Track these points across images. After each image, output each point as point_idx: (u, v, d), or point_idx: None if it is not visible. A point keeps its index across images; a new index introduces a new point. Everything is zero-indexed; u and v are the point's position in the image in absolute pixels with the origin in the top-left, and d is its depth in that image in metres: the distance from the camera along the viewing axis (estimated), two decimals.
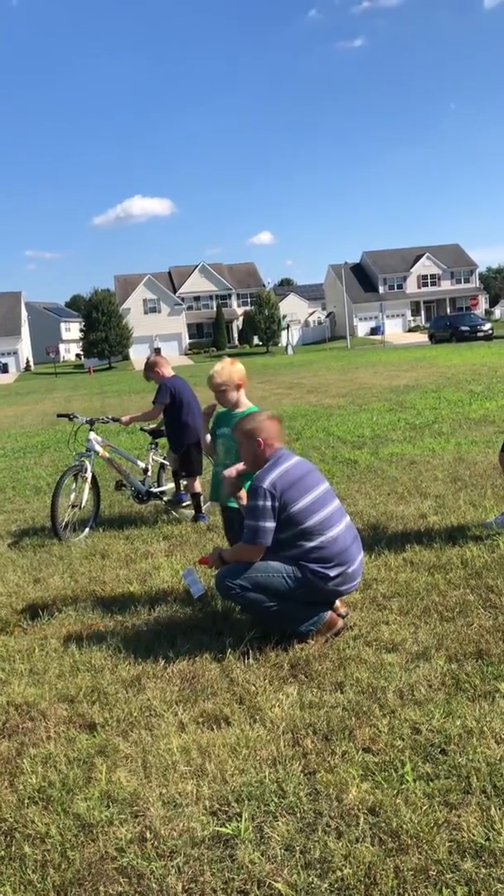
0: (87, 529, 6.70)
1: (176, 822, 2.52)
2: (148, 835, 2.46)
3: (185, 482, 6.86)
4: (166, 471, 7.49)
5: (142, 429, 7.28)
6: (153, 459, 7.39)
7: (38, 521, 7.45)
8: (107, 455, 6.98)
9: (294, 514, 3.77)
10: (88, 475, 6.71)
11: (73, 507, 6.64)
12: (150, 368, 6.95)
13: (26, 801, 2.74)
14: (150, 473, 7.24)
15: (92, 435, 6.91)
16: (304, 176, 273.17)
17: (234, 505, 4.42)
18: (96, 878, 2.31)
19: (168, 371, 6.95)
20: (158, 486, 7.36)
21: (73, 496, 6.64)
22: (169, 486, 7.34)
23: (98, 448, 6.90)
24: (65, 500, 6.65)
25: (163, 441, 7.25)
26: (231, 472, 4.25)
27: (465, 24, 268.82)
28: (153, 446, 7.43)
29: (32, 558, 6.06)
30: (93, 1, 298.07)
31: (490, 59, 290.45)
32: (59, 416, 7.22)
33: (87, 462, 6.73)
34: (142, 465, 7.27)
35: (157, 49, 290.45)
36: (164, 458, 7.43)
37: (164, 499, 7.15)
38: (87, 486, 6.69)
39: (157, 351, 73.62)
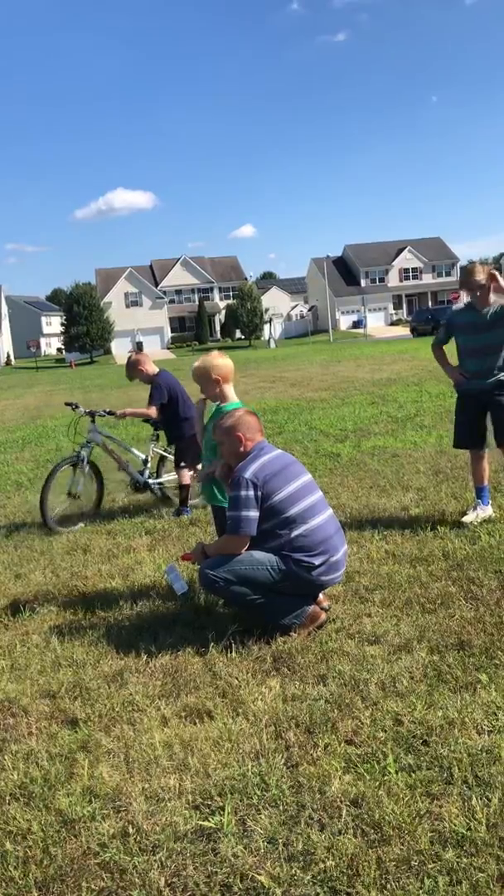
0: (80, 524, 6.72)
1: (158, 816, 2.51)
2: (130, 830, 2.45)
3: (188, 472, 6.80)
4: (166, 463, 7.51)
5: (145, 420, 7.37)
6: (153, 451, 7.41)
7: (19, 517, 7.40)
8: (107, 445, 7.12)
9: (277, 504, 3.78)
10: (86, 466, 6.82)
11: (71, 496, 6.78)
12: (134, 367, 6.93)
13: (7, 797, 2.72)
14: (149, 464, 7.28)
15: (92, 425, 7.03)
16: (287, 169, 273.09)
17: (222, 502, 4.45)
18: (78, 873, 2.30)
19: (152, 367, 6.92)
20: (157, 477, 7.38)
21: (71, 486, 6.78)
22: (168, 476, 7.41)
23: (98, 438, 7.02)
24: (57, 490, 6.74)
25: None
26: (203, 474, 4.37)
27: (447, 19, 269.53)
28: (154, 437, 7.45)
29: (13, 554, 6.02)
30: None
31: (471, 52, 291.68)
32: (66, 404, 7.39)
33: (84, 452, 6.84)
34: (142, 455, 7.32)
35: (139, 41, 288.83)
36: (164, 450, 7.46)
37: (156, 486, 7.26)
38: (83, 477, 6.80)
39: (139, 346, 73.48)
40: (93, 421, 7.10)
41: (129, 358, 7.08)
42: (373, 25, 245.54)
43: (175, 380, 6.87)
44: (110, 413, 7.13)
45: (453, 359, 5.56)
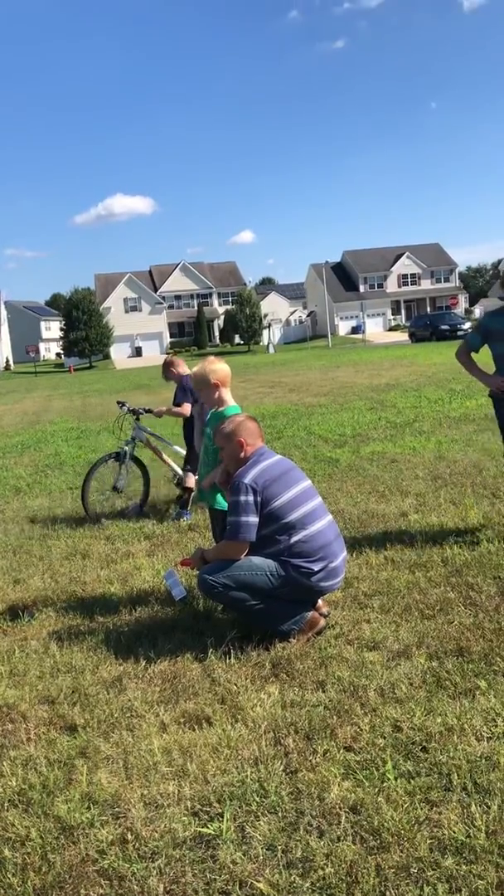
0: (108, 520, 6.95)
1: (157, 823, 2.51)
2: (129, 836, 2.45)
3: (193, 477, 6.88)
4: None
5: None
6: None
7: (18, 522, 7.40)
8: (150, 441, 7.48)
9: (276, 509, 3.78)
10: (130, 461, 7.25)
11: (116, 490, 7.26)
12: (167, 367, 7.25)
13: (6, 803, 2.71)
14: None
15: (136, 423, 7.37)
16: (286, 175, 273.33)
17: (221, 506, 4.47)
18: (77, 880, 2.29)
19: (184, 369, 7.18)
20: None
21: (116, 481, 7.23)
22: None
23: (142, 435, 7.39)
24: (98, 483, 7.31)
25: None
26: (207, 481, 4.40)
27: (446, 26, 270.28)
28: None
29: (12, 559, 6.01)
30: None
31: (470, 59, 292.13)
32: (118, 402, 7.93)
33: (128, 448, 7.23)
34: (183, 452, 7.48)
35: (139, 47, 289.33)
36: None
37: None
38: (127, 472, 7.26)
39: (139, 352, 73.32)
40: (137, 419, 7.44)
41: (165, 359, 7.39)
42: (372, 32, 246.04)
43: None
44: (148, 411, 7.42)
45: (475, 356, 5.45)
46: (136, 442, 7.36)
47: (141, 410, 7.45)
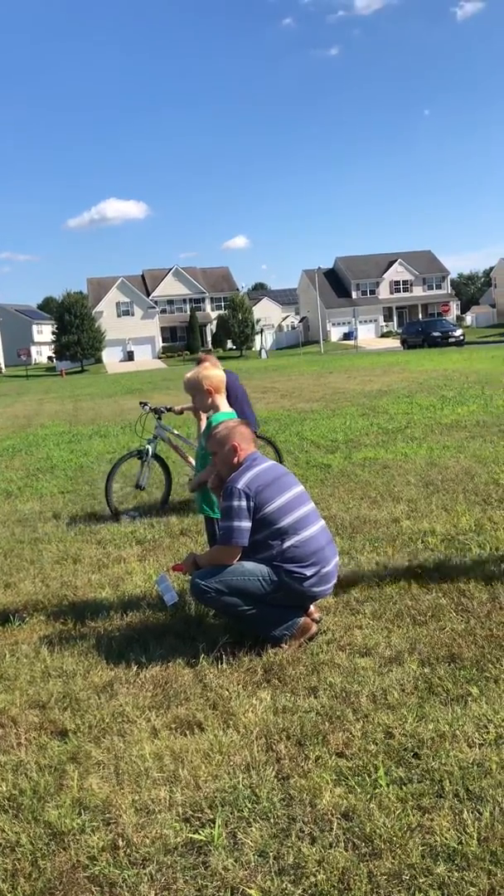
0: (136, 515, 7.11)
1: (148, 829, 2.50)
2: (120, 842, 2.44)
3: None
4: None
5: None
6: None
7: (9, 526, 7.37)
8: (172, 441, 7.54)
9: (269, 515, 3.78)
10: (152, 459, 7.38)
11: (138, 487, 7.47)
12: (199, 365, 7.23)
13: None
14: None
15: (158, 422, 7.51)
16: (279, 181, 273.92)
17: (205, 511, 4.50)
18: (67, 887, 2.28)
19: (217, 367, 7.11)
20: None
21: (139, 479, 7.42)
22: None
23: (163, 434, 7.48)
24: (121, 481, 7.53)
25: None
26: (194, 484, 4.48)
27: (439, 34, 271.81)
28: None
29: (3, 562, 5.99)
30: (66, 1, 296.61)
31: (463, 67, 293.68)
32: (140, 403, 8.05)
33: (150, 447, 7.36)
34: None
35: (132, 51, 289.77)
36: None
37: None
38: (149, 470, 7.44)
39: (130, 356, 73.26)
40: (159, 418, 7.53)
41: (198, 359, 7.34)
42: (365, 40, 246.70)
43: (235, 381, 6.93)
44: (169, 409, 7.53)
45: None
46: (157, 441, 7.47)
47: (162, 409, 7.57)
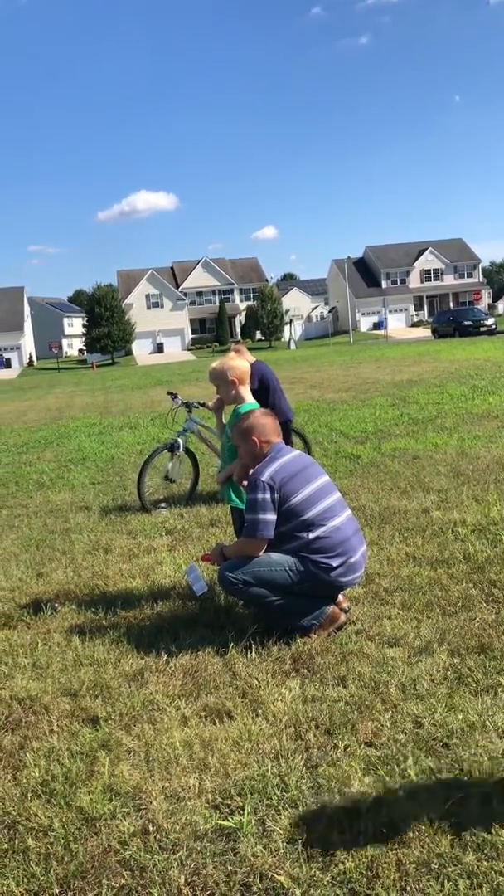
0: (164, 506, 7.22)
1: (178, 815, 2.52)
2: (150, 828, 2.47)
3: None
4: None
5: None
6: None
7: (41, 516, 7.46)
8: (202, 434, 7.58)
9: (294, 506, 3.78)
10: (182, 452, 7.41)
11: (168, 479, 7.52)
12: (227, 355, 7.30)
13: (29, 794, 2.74)
14: None
15: (188, 415, 7.54)
16: (309, 171, 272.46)
17: (234, 502, 4.50)
18: (99, 871, 2.32)
19: (248, 357, 7.10)
20: None
21: (169, 471, 7.47)
22: None
23: (194, 427, 7.51)
24: (152, 475, 7.63)
25: None
26: (222, 476, 4.46)
27: (470, 18, 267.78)
28: None
29: (35, 553, 6.07)
30: None
31: (496, 52, 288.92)
32: (168, 393, 8.14)
33: (180, 440, 7.37)
34: None
35: (160, 45, 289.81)
36: None
37: None
38: (179, 463, 7.51)
39: (160, 348, 73.43)
40: (189, 411, 7.57)
41: (231, 348, 7.37)
42: (395, 27, 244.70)
43: (270, 371, 6.93)
44: (202, 405, 7.52)
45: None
46: (187, 434, 7.49)
47: (195, 404, 7.59)
